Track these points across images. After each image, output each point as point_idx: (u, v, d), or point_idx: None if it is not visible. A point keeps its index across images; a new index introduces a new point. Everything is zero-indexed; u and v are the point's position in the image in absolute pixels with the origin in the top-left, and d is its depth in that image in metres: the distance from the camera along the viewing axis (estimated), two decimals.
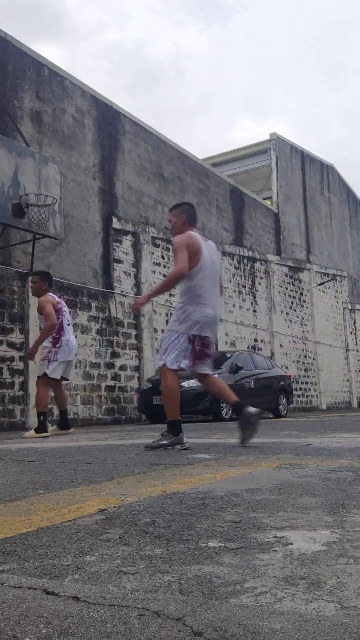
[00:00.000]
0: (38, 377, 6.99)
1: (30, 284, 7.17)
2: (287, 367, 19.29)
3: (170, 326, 4.44)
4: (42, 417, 6.86)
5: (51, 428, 7.31)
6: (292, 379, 16.54)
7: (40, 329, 7.02)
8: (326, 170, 26.56)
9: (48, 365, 6.85)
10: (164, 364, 4.36)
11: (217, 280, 4.58)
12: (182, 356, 4.33)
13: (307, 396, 21.49)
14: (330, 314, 24.18)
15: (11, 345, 10.46)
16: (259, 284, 19.50)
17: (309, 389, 21.65)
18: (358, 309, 26.92)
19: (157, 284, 4.42)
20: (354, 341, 25.96)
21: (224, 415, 11.46)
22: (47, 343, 6.89)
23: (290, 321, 21.02)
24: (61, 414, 7.32)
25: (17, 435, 7.91)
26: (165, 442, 4.26)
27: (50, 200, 10.03)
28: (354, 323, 26.37)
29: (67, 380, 7.54)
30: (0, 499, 2.16)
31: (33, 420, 10.39)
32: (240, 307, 18.19)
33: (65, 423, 7.29)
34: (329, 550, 1.35)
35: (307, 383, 21.54)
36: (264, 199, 22.25)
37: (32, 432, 6.85)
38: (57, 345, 6.90)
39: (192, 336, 4.33)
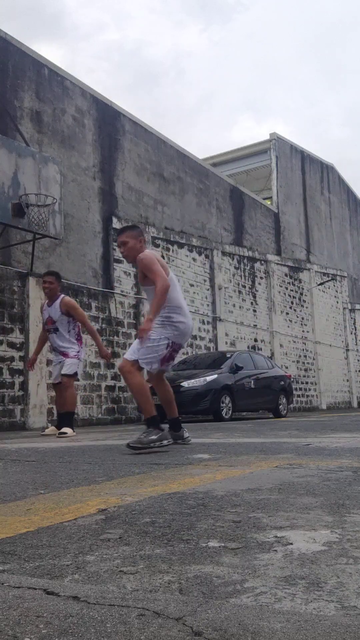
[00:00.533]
0: (68, 376, 6.90)
1: (46, 284, 6.99)
2: (287, 367, 19.29)
3: (151, 333, 4.37)
4: (72, 416, 7.07)
5: (50, 428, 7.32)
6: (292, 379, 16.54)
7: (56, 329, 6.91)
8: (326, 170, 26.56)
9: (79, 364, 6.99)
10: (136, 361, 4.28)
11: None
12: (156, 360, 4.37)
13: (307, 396, 21.50)
14: (330, 314, 24.19)
15: (11, 345, 10.46)
16: (259, 284, 19.51)
17: (309, 389, 21.66)
18: (358, 309, 26.93)
19: (152, 306, 4.41)
20: (354, 341, 25.97)
21: (224, 415, 11.46)
22: (75, 343, 6.94)
23: (290, 321, 21.02)
24: (61, 415, 7.34)
25: (16, 435, 7.91)
26: (154, 437, 4.13)
27: (50, 200, 10.03)
28: (354, 323, 26.38)
29: None
30: (0, 499, 2.16)
31: (33, 420, 10.41)
32: (240, 307, 18.20)
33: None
34: (329, 550, 1.35)
35: (307, 383, 21.55)
36: (264, 199, 22.25)
37: (70, 431, 6.84)
38: (82, 346, 7.07)
39: (171, 343, 4.41)
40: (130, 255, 4.54)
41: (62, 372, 6.90)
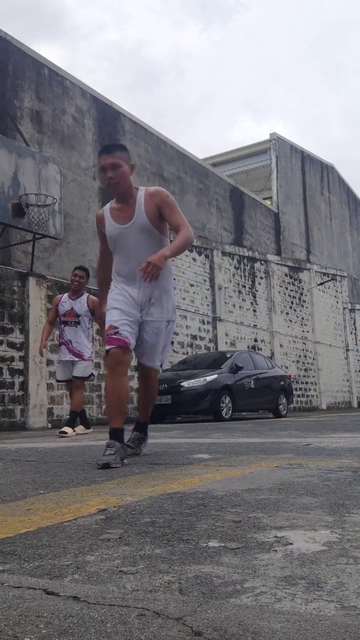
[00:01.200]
0: (82, 378, 6.96)
1: (76, 277, 7.01)
2: (287, 367, 19.30)
3: (172, 316, 3.65)
4: (76, 416, 7.10)
5: (78, 427, 7.36)
6: (292, 379, 16.55)
7: (78, 323, 6.95)
8: (326, 170, 26.56)
9: (92, 365, 7.07)
10: (161, 365, 3.72)
11: None
12: None
13: (307, 396, 21.49)
14: (330, 314, 24.19)
15: (11, 345, 10.46)
16: (259, 284, 19.51)
17: (309, 389, 21.66)
18: (358, 309, 26.93)
19: (173, 243, 3.44)
20: (354, 341, 25.97)
21: (224, 415, 11.46)
22: (90, 343, 6.98)
23: (290, 321, 21.03)
24: (81, 414, 7.38)
25: (17, 435, 7.91)
26: (144, 445, 3.82)
27: (50, 200, 10.03)
28: (354, 323, 26.38)
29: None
30: (0, 499, 2.16)
31: (33, 420, 10.40)
32: (240, 307, 18.20)
33: (86, 421, 7.40)
34: (329, 550, 1.35)
35: (307, 383, 21.55)
36: (264, 199, 22.27)
37: (70, 430, 6.89)
38: (92, 346, 7.15)
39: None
40: (121, 184, 3.42)
41: (76, 374, 6.92)
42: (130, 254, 3.48)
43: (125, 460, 3.25)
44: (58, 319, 7.07)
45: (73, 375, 6.95)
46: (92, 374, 7.09)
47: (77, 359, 6.89)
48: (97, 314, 6.94)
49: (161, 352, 3.61)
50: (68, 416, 7.49)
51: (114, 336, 3.34)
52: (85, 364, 6.91)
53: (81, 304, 6.93)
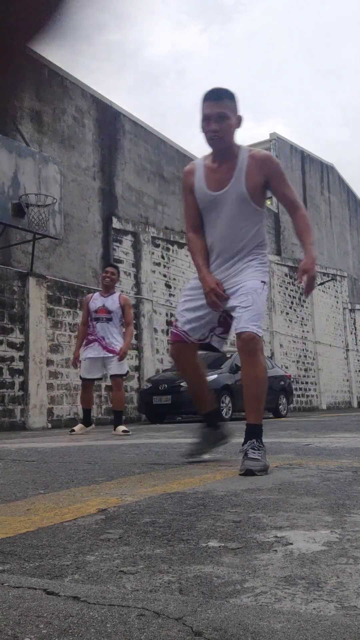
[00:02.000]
0: (121, 376, 7.04)
1: (108, 274, 7.12)
2: (287, 367, 19.29)
3: (261, 276, 3.00)
4: (122, 414, 7.23)
5: (78, 426, 7.35)
6: (292, 379, 16.54)
7: (110, 319, 7.01)
8: (326, 170, 26.56)
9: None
10: (256, 334, 2.81)
11: None
12: None
13: (307, 396, 21.49)
14: (330, 314, 24.19)
15: (11, 345, 10.46)
16: None
17: (309, 389, 21.65)
18: (358, 309, 26.93)
19: (308, 236, 3.04)
20: (354, 341, 25.97)
21: (223, 415, 11.45)
22: (122, 340, 7.06)
23: (290, 321, 21.02)
24: (85, 412, 7.39)
25: (17, 435, 7.91)
26: (264, 456, 2.76)
27: (50, 200, 10.03)
28: (354, 323, 26.38)
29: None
30: (0, 499, 2.16)
31: (33, 420, 10.41)
32: None
33: (88, 420, 7.42)
34: (329, 550, 1.35)
35: (307, 383, 21.54)
36: None
37: (120, 428, 6.98)
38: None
39: None
40: (225, 140, 2.90)
41: (117, 372, 6.96)
42: (217, 228, 2.97)
43: (227, 438, 3.35)
44: (89, 317, 7.09)
45: (111, 374, 7.00)
46: (128, 371, 7.17)
47: (110, 355, 6.90)
48: (126, 314, 7.02)
49: (255, 319, 2.83)
50: (112, 417, 7.59)
51: (172, 330, 3.16)
52: (123, 362, 6.98)
53: (113, 301, 7.03)
